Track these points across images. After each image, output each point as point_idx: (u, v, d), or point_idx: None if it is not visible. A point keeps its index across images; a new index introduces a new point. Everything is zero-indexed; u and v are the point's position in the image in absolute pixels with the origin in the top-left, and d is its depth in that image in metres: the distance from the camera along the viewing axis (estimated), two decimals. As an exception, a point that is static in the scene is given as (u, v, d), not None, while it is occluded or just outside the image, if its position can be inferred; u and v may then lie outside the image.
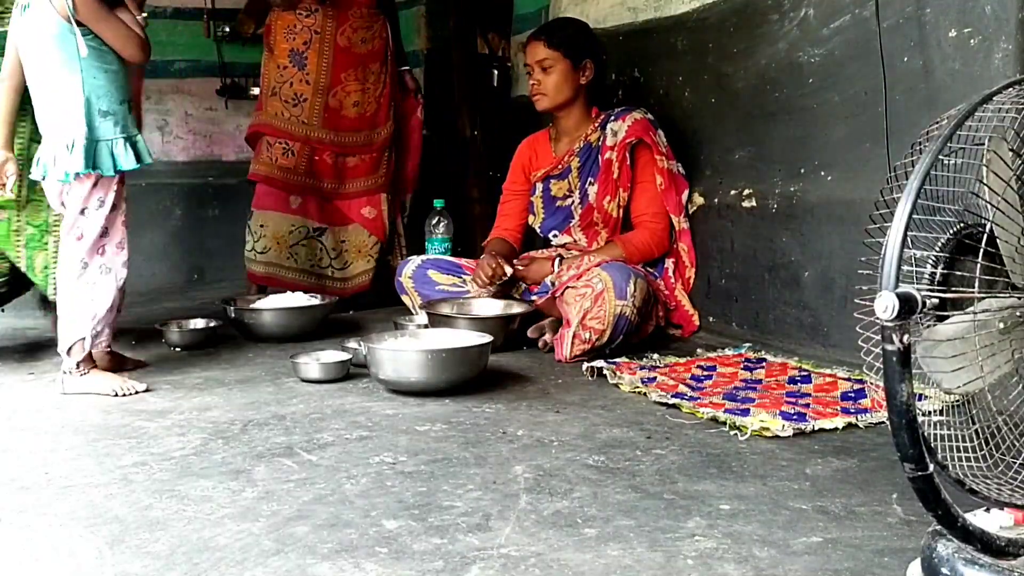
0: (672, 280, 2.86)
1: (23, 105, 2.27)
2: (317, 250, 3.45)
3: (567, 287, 2.64)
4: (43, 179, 2.20)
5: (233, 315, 2.84)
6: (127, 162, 2.18)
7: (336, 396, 2.14)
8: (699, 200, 2.90)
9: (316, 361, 2.33)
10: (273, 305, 2.90)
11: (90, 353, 2.21)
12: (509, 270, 2.75)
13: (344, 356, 2.37)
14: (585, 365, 2.33)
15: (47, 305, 2.78)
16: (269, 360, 2.55)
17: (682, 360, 2.43)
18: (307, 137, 3.37)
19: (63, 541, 1.29)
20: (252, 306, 2.90)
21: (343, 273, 3.48)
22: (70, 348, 2.18)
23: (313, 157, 3.40)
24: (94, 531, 1.32)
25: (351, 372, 2.34)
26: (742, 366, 2.35)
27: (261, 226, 3.41)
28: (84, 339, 2.18)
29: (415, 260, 3.00)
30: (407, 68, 3.64)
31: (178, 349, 2.71)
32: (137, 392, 2.17)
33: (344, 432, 1.83)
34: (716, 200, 2.84)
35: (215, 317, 2.88)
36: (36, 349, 2.67)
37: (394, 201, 3.59)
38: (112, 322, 2.28)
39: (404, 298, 3.00)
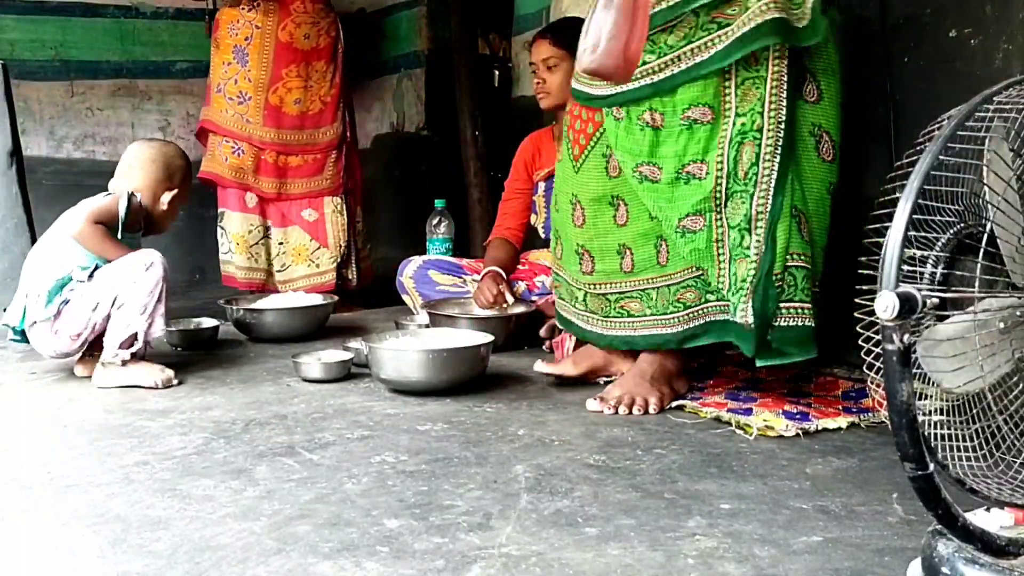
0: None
1: None
2: (270, 249, 3.47)
3: None
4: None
5: (234, 315, 2.84)
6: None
7: (337, 396, 2.14)
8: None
9: (317, 361, 2.33)
10: (274, 305, 2.91)
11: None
12: (511, 299, 2.75)
13: (345, 356, 2.37)
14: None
15: None
16: (270, 360, 2.55)
17: (683, 360, 2.43)
18: (250, 136, 3.37)
19: (64, 540, 1.29)
20: (253, 306, 2.90)
21: (282, 275, 3.47)
22: (123, 342, 2.22)
23: (259, 157, 3.39)
24: (96, 530, 1.32)
25: (352, 372, 2.34)
26: (743, 365, 2.35)
27: (221, 227, 3.45)
28: (137, 332, 2.24)
29: (416, 260, 3.01)
30: None
31: (179, 349, 2.72)
32: (180, 383, 2.24)
33: (345, 432, 1.83)
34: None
35: (216, 317, 2.88)
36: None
37: (347, 208, 3.55)
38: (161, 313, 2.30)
39: (405, 298, 3.01)
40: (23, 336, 2.31)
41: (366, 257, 3.70)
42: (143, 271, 2.24)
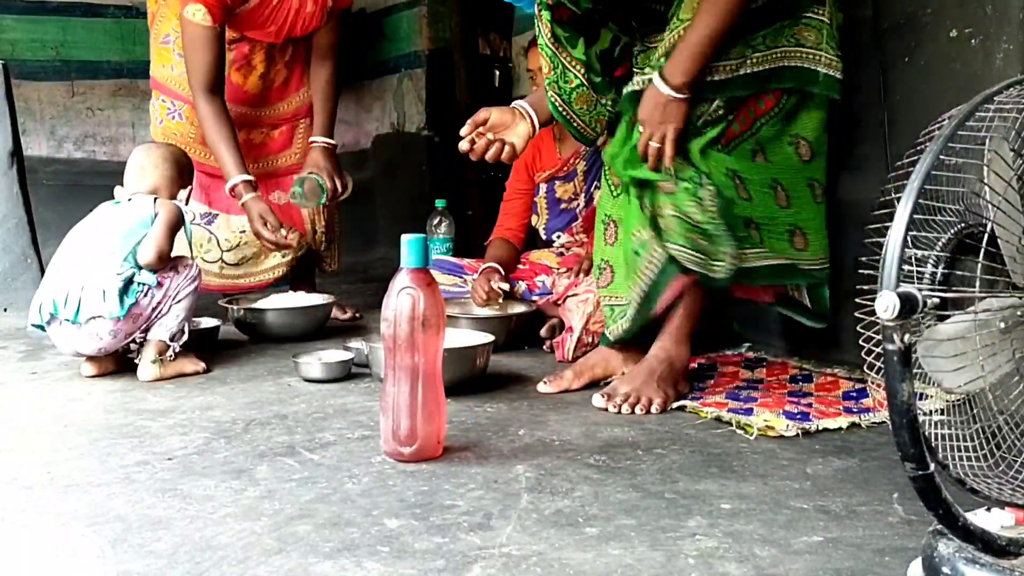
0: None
1: None
2: (218, 242, 3.01)
3: (567, 296, 2.65)
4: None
5: (235, 314, 2.84)
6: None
7: (338, 395, 2.14)
8: (700, 200, 2.90)
9: (318, 360, 2.33)
10: (275, 305, 2.90)
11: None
12: (506, 286, 2.76)
13: (346, 355, 2.37)
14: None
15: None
16: (271, 359, 2.55)
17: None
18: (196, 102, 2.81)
19: (65, 540, 1.29)
20: (254, 305, 2.90)
21: (240, 270, 3.05)
22: (174, 334, 2.31)
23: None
24: (96, 530, 1.32)
25: (353, 372, 2.34)
26: (743, 365, 2.35)
27: (208, 230, 3.02)
28: (185, 325, 2.35)
29: (417, 260, 2.99)
30: None
31: (179, 349, 2.71)
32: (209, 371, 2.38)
33: (346, 431, 1.83)
34: (717, 200, 2.84)
35: (216, 317, 2.88)
36: (38, 349, 2.67)
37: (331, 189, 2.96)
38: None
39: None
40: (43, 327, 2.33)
41: (340, 239, 3.25)
42: (194, 268, 2.39)
